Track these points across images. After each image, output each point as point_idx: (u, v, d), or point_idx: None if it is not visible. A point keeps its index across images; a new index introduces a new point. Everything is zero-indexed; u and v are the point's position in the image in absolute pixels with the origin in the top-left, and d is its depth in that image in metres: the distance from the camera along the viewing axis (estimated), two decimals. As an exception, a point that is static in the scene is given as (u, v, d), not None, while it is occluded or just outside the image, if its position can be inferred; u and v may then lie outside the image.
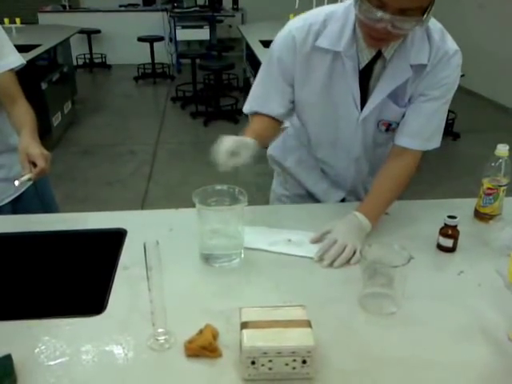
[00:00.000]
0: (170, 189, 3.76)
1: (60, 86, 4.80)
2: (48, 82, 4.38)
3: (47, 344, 0.91)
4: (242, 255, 1.17)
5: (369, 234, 1.22)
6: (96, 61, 7.81)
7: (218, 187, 1.16)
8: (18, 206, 1.57)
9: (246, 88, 5.90)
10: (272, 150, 1.62)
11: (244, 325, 0.85)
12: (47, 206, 1.67)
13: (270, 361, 0.81)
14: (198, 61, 5.74)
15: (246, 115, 1.42)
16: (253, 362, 0.81)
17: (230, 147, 1.12)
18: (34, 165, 1.27)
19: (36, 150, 1.28)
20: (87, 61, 7.77)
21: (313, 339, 0.81)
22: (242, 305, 0.90)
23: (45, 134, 4.34)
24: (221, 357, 0.87)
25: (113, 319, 0.98)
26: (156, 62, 7.12)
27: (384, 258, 1.00)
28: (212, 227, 1.14)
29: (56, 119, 4.58)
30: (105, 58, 7.87)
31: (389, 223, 1.30)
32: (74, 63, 6.88)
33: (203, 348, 0.87)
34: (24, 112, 1.43)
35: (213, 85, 6.04)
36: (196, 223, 1.14)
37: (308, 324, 0.84)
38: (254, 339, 0.81)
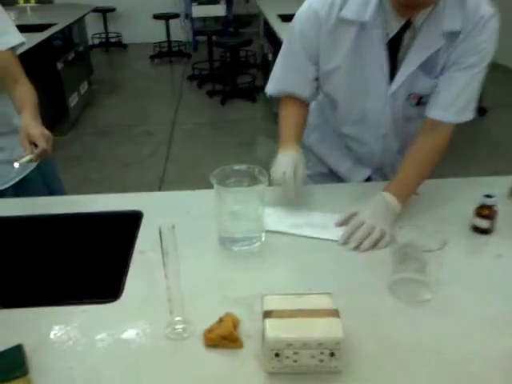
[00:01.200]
0: (187, 169, 3.72)
1: (76, 66, 4.76)
2: (64, 62, 4.34)
3: (60, 332, 0.88)
4: (263, 238, 1.12)
5: (398, 215, 1.15)
6: (112, 40, 7.74)
7: (237, 167, 1.11)
8: (20, 189, 1.53)
9: (263, 65, 5.76)
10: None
11: (267, 314, 0.79)
12: (53, 190, 1.62)
13: (296, 353, 0.75)
14: (214, 38, 5.62)
15: (265, 93, 1.38)
16: (277, 355, 0.75)
17: (291, 169, 1.18)
18: (36, 146, 1.23)
19: (37, 130, 1.24)
20: (103, 40, 7.71)
21: (342, 330, 0.76)
22: (264, 291, 0.86)
23: (62, 115, 4.33)
24: (242, 347, 0.83)
25: (129, 306, 0.94)
26: (172, 40, 7.04)
27: (416, 242, 0.93)
28: (231, 209, 1.09)
29: (72, 100, 4.55)
30: (120, 36, 7.80)
31: (418, 203, 1.22)
32: (90, 43, 6.82)
33: (223, 338, 0.82)
34: (25, 92, 1.39)
35: (230, 62, 5.94)
36: (214, 205, 1.09)
37: (336, 313, 0.79)
38: (277, 330, 0.76)
